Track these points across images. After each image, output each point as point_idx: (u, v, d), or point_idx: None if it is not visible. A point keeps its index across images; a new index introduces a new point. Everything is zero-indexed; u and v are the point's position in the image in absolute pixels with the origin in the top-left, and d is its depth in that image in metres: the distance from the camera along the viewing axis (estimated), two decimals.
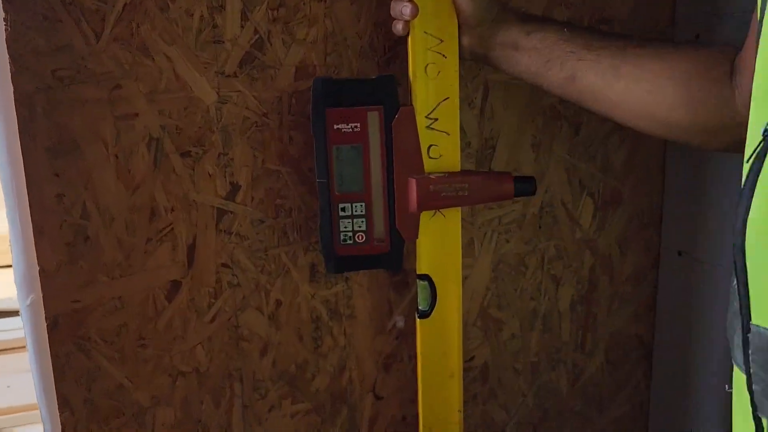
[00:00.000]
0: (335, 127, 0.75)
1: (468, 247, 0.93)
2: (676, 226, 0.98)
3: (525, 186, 0.78)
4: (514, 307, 0.98)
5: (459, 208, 0.79)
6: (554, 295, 0.99)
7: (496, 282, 0.96)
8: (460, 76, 0.78)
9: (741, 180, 0.45)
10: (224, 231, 0.84)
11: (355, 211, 0.78)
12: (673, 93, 0.65)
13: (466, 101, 0.89)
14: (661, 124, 0.67)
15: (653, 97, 0.66)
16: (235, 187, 0.83)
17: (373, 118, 0.75)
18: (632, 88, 0.67)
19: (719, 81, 0.63)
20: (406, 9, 0.73)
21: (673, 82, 0.65)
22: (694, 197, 0.94)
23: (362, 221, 0.78)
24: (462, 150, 0.81)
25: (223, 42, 0.80)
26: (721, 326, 0.95)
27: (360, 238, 0.78)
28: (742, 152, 0.69)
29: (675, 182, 0.98)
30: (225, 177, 0.83)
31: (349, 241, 0.78)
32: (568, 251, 0.98)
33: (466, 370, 0.97)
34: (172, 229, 0.82)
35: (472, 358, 0.98)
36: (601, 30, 0.72)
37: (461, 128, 0.80)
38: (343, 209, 0.77)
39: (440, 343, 0.82)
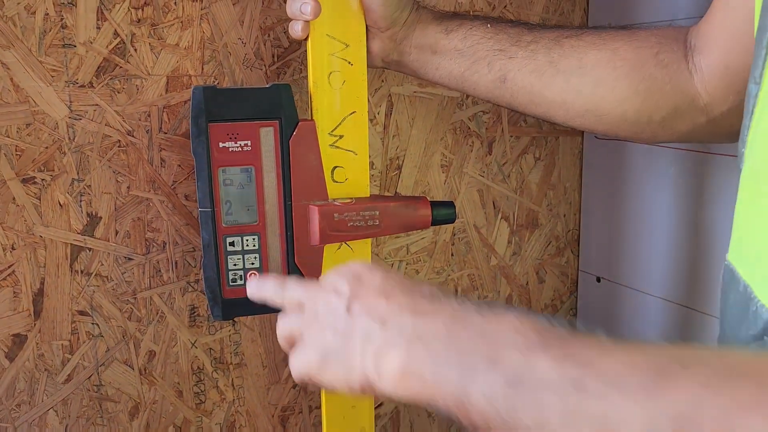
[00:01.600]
0: (221, 145, 0.63)
1: None
2: (594, 250, 0.92)
3: (444, 212, 0.69)
4: None
5: (369, 240, 0.68)
6: None
7: None
8: None
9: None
10: (81, 272, 0.70)
11: (247, 245, 0.65)
12: (621, 83, 0.58)
13: (367, 117, 0.79)
14: (610, 118, 0.59)
15: (600, 91, 0.58)
16: (93, 219, 0.69)
17: (267, 135, 0.64)
18: (575, 84, 0.59)
19: (671, 65, 0.57)
20: (306, 7, 0.61)
21: (620, 72, 0.58)
22: (612, 219, 0.88)
23: (255, 257, 0.66)
24: None
25: (75, 46, 0.66)
26: None
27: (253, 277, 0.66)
28: (698, 141, 0.63)
29: (592, 203, 0.92)
30: (81, 207, 0.69)
31: (239, 282, 0.66)
32: (483, 280, 0.89)
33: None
34: (13, 271, 0.67)
35: (381, 404, 0.87)
36: (527, 23, 0.64)
37: None
38: (232, 243, 0.65)
39: (348, 396, 0.70)
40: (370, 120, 0.79)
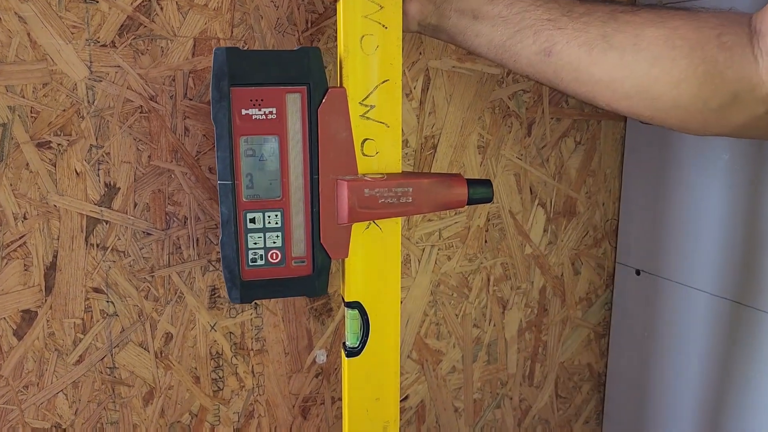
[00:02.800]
0: (243, 112, 0.58)
1: (404, 266, 0.79)
2: (634, 241, 0.87)
3: (480, 191, 0.64)
4: (456, 335, 0.83)
5: (398, 220, 0.64)
6: (500, 320, 0.85)
7: (436, 306, 0.82)
8: None
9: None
10: (97, 246, 0.65)
11: (268, 222, 0.61)
12: (679, 64, 0.53)
13: (403, 92, 0.74)
14: (661, 102, 0.55)
15: (655, 71, 0.54)
16: (111, 190, 0.65)
17: (294, 102, 0.59)
18: (628, 61, 0.55)
19: (734, 47, 0.52)
20: None
21: (679, 51, 0.53)
22: (655, 208, 0.84)
23: (277, 235, 0.61)
24: None
25: (97, 1, 0.61)
26: (683, 354, 0.85)
27: (274, 257, 0.61)
28: (750, 136, 0.58)
29: (633, 191, 0.87)
30: (98, 176, 0.64)
31: (259, 262, 0.61)
32: (517, 269, 0.85)
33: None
34: (24, 242, 0.63)
35: (406, 397, 0.83)
36: None
37: None
38: (253, 220, 0.60)
39: (373, 388, 0.66)
40: (406, 95, 0.75)
